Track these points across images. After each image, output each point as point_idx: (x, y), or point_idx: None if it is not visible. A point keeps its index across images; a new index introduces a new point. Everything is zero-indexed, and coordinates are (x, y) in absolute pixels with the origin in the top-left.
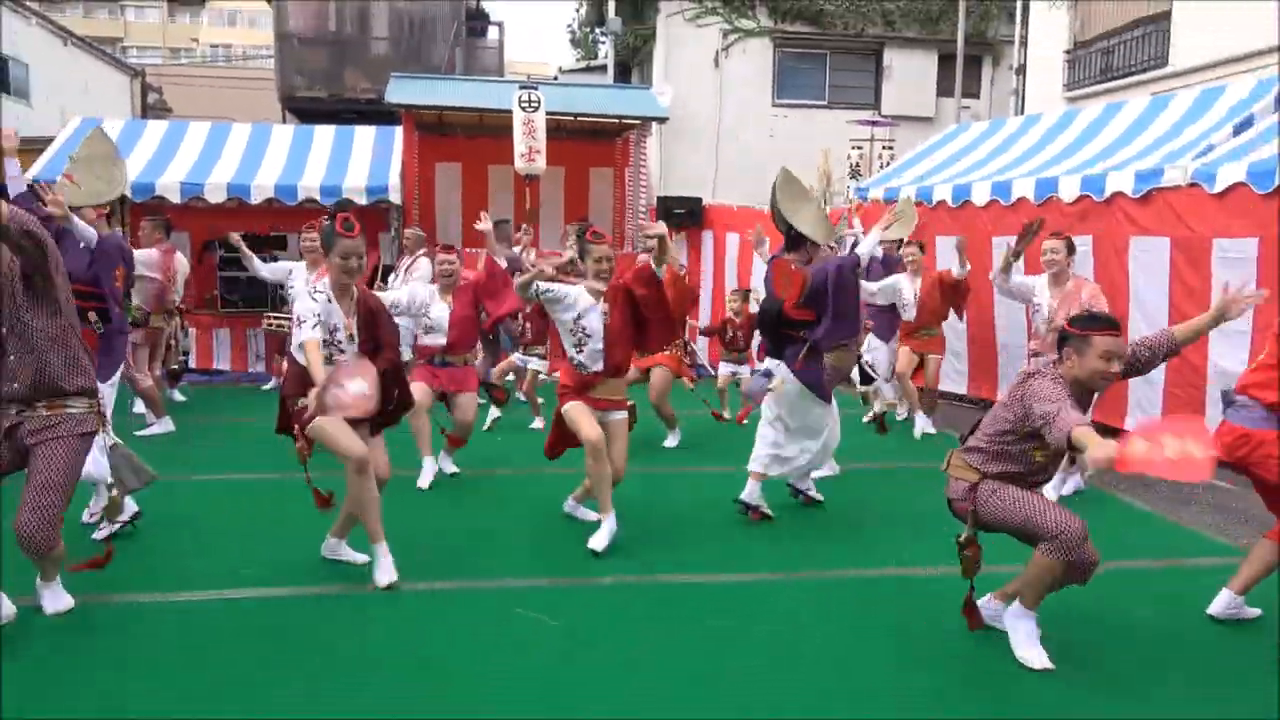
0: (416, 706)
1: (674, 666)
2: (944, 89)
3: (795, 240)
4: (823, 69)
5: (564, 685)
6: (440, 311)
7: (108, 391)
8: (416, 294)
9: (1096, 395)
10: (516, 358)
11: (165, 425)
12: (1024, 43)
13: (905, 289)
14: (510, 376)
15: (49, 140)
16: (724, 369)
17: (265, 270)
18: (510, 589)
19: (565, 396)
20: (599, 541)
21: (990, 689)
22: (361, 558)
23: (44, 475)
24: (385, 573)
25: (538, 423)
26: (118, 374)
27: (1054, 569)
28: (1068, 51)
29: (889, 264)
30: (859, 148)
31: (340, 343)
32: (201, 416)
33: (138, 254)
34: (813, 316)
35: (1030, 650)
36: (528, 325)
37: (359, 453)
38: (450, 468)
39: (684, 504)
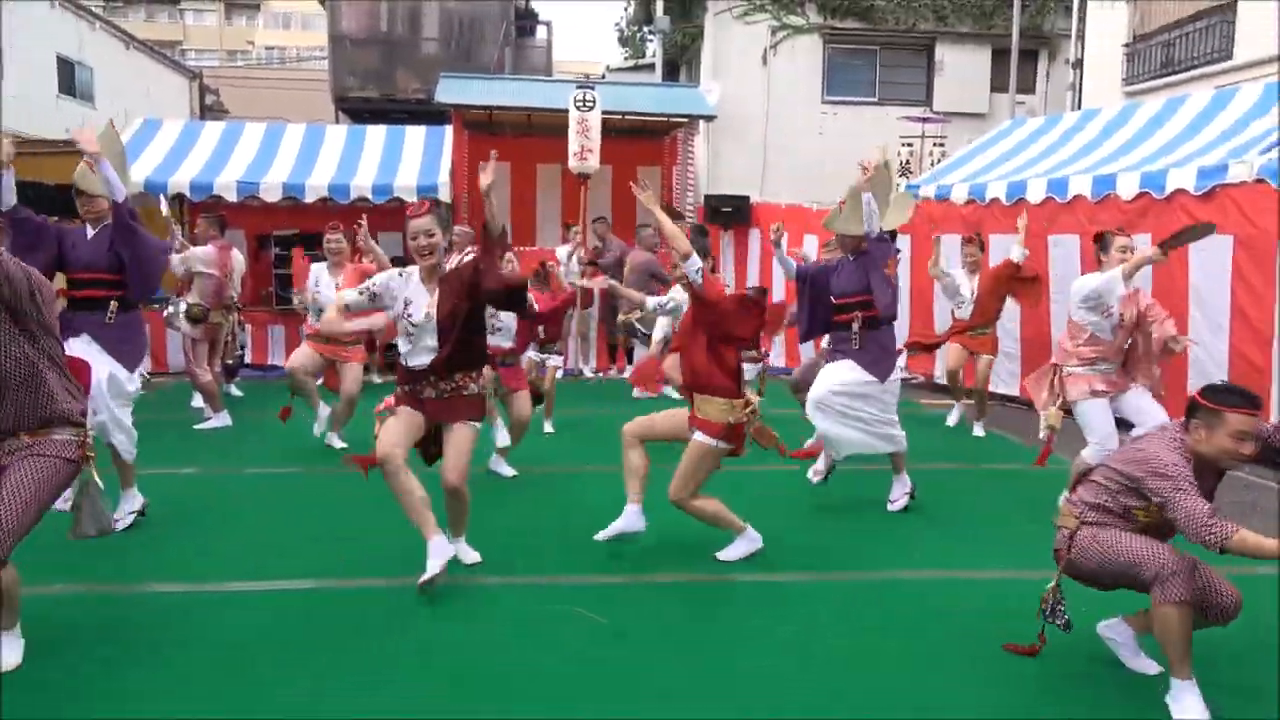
0: (463, 700)
1: (725, 666)
2: (998, 84)
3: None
4: (873, 65)
5: (609, 681)
6: (511, 315)
7: (135, 380)
8: None
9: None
10: (534, 355)
11: (222, 420)
12: (1081, 36)
13: (963, 285)
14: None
15: (97, 158)
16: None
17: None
18: (559, 586)
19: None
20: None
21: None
22: (473, 556)
23: (9, 489)
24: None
25: (549, 426)
26: (143, 363)
27: (1174, 616)
28: (1127, 45)
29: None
30: (909, 145)
31: (411, 317)
32: (256, 411)
33: (195, 251)
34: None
35: None
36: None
37: (383, 452)
38: (507, 470)
39: (738, 503)
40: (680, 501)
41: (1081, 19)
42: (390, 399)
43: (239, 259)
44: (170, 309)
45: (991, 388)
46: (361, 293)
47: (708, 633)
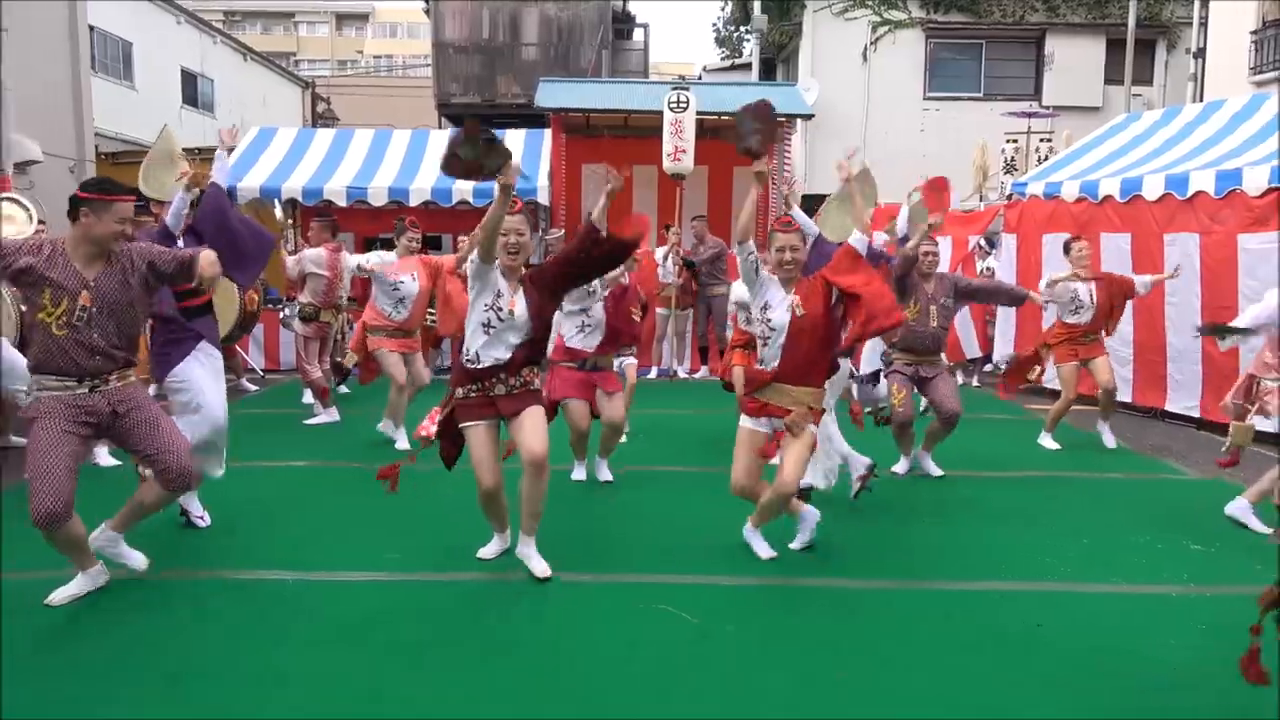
0: (552, 692)
1: (812, 674)
2: (1112, 76)
3: None
4: (978, 59)
5: (696, 681)
6: (600, 310)
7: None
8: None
9: None
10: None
11: (331, 415)
12: (1204, 24)
13: (1081, 290)
14: None
15: (230, 149)
16: None
17: (369, 269)
18: (655, 584)
19: (742, 403)
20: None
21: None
22: (541, 568)
23: (169, 427)
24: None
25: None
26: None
27: None
28: (1254, 32)
29: (874, 257)
30: (1015, 141)
31: (501, 310)
32: (361, 408)
33: (307, 252)
34: None
35: None
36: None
37: (488, 484)
38: (606, 474)
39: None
40: (790, 490)
41: (1204, 5)
42: (429, 425)
43: (349, 261)
44: (286, 310)
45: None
46: (468, 262)
47: (797, 638)
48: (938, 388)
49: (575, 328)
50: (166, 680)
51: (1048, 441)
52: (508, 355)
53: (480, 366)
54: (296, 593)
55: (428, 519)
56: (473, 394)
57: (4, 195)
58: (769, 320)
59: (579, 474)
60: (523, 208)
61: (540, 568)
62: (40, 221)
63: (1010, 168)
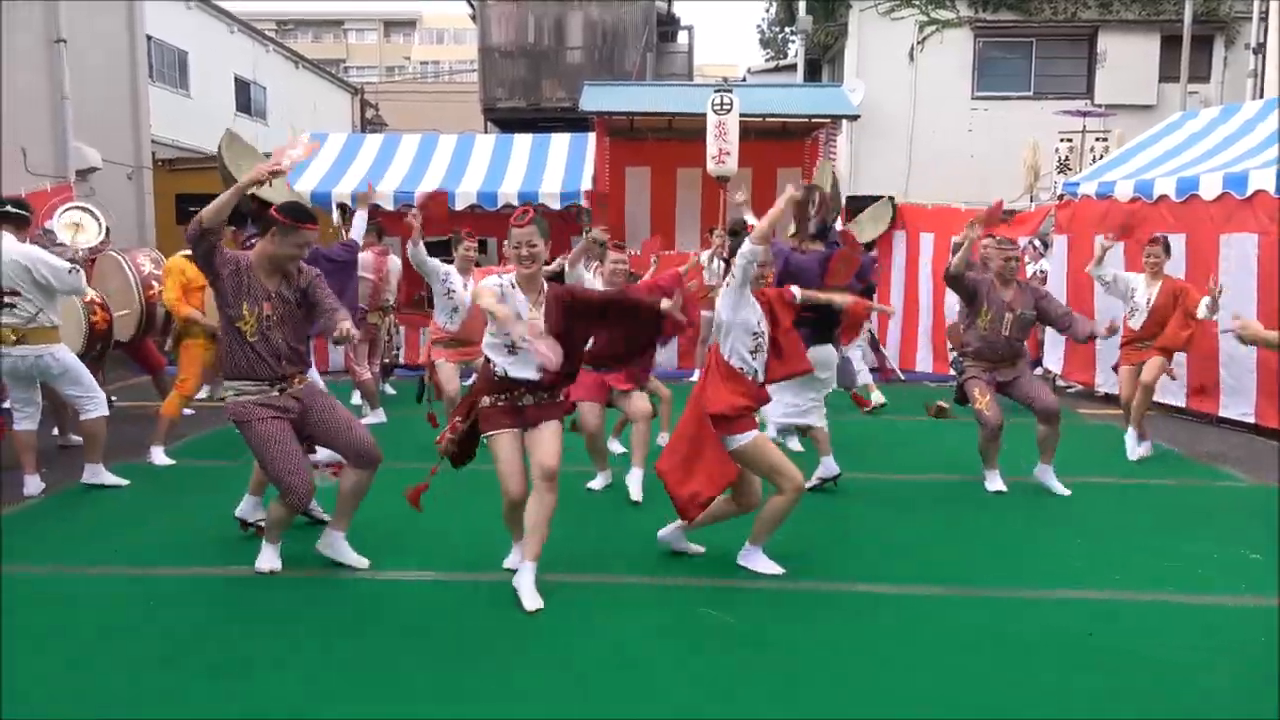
0: (589, 698)
1: (859, 680)
2: (1167, 73)
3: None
4: (1028, 57)
5: (737, 686)
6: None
7: None
8: (580, 280)
9: None
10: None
11: (378, 416)
12: (1264, 18)
13: (1140, 291)
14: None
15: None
16: None
17: (427, 264)
18: (694, 587)
19: (738, 422)
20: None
21: None
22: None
23: (347, 419)
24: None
25: (665, 437)
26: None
27: None
28: None
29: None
30: (1068, 140)
31: (519, 345)
32: (407, 410)
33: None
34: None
35: None
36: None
37: (514, 493)
38: (637, 493)
39: (881, 513)
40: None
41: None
42: (448, 435)
43: (395, 264)
44: None
45: (1157, 396)
46: (498, 287)
47: (844, 644)
48: (1022, 387)
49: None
50: (227, 672)
51: (1133, 445)
52: (537, 374)
53: (509, 378)
54: (346, 592)
55: (469, 519)
56: (500, 402)
57: (74, 205)
58: (760, 333)
59: (599, 482)
60: (533, 218)
61: (531, 600)
62: (106, 230)
63: (1064, 167)
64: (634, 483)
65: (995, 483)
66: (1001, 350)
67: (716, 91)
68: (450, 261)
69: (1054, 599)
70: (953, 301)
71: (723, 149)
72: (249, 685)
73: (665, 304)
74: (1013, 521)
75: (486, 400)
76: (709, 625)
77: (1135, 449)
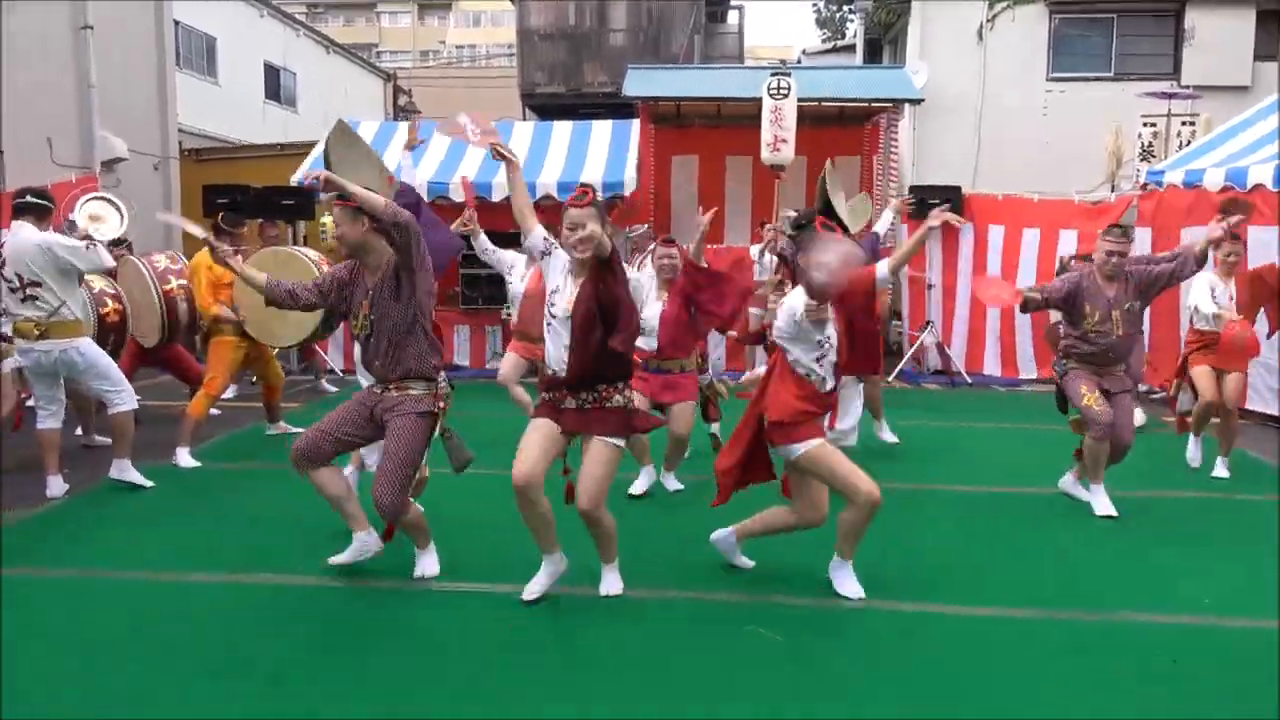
0: (635, 711)
1: (918, 704)
2: (1263, 51)
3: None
4: (1108, 35)
5: (783, 703)
6: (653, 311)
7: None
8: (641, 285)
9: None
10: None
11: None
12: None
13: (1219, 289)
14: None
15: (313, 144)
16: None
17: (492, 254)
18: (740, 604)
19: (801, 428)
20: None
21: None
22: (615, 587)
23: (389, 448)
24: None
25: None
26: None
27: None
28: None
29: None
30: (1152, 124)
31: (553, 306)
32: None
33: None
34: None
35: None
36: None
37: (519, 474)
38: (674, 484)
39: (934, 527)
40: None
41: None
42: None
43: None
44: None
45: (1248, 404)
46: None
47: (904, 667)
48: (1116, 411)
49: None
50: (250, 681)
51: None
52: (565, 360)
53: (554, 373)
54: (379, 601)
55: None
56: (546, 400)
57: (95, 195)
58: (829, 337)
59: (640, 485)
60: (593, 199)
61: (612, 586)
62: (127, 242)
63: (1147, 154)
64: (669, 477)
65: (1103, 503)
66: (1116, 351)
67: (773, 74)
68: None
69: (1135, 622)
70: None
71: (778, 135)
72: (272, 695)
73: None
74: (1089, 540)
75: (540, 395)
76: (753, 642)
77: (1198, 455)
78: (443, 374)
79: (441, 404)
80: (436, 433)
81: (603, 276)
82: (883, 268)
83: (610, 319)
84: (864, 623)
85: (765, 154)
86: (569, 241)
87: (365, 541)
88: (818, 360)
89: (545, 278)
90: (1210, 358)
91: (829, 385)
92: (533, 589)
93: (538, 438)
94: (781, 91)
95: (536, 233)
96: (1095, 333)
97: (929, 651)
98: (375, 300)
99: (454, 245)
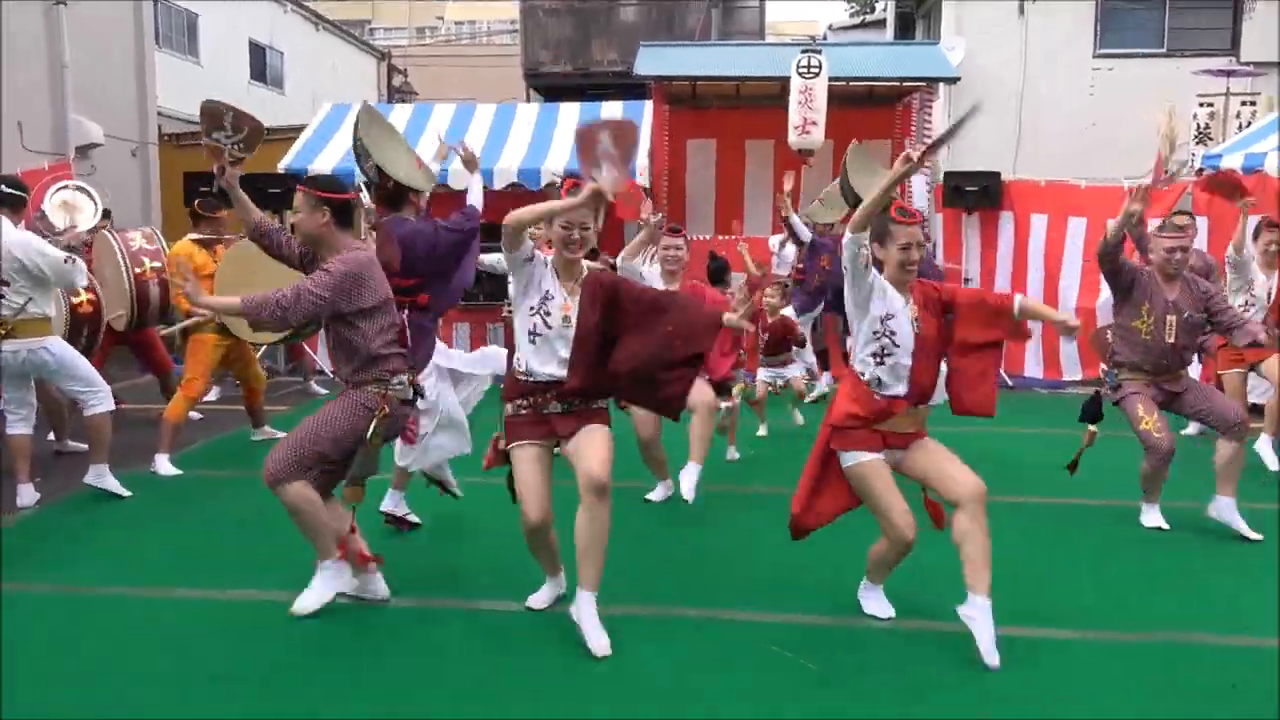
0: None
1: None
2: None
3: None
4: (1160, 8)
5: None
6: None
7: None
8: (641, 279)
9: None
10: (764, 375)
11: None
12: None
13: (1257, 281)
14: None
15: (301, 128)
16: (764, 375)
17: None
18: (762, 623)
19: (850, 435)
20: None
21: None
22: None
23: (305, 419)
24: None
25: (763, 429)
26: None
27: None
28: None
29: (818, 250)
30: (1209, 104)
31: (549, 315)
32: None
33: None
34: None
35: None
36: (765, 335)
37: (533, 519)
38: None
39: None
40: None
41: None
42: (494, 449)
43: None
44: None
45: None
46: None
47: (943, 691)
48: (1196, 398)
49: None
50: (240, 705)
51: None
52: (559, 372)
53: (533, 380)
54: (371, 621)
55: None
56: (523, 410)
57: (68, 184)
58: (893, 334)
59: (659, 493)
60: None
61: (599, 642)
62: (105, 212)
63: (1204, 136)
64: (688, 478)
65: (1154, 516)
66: (1167, 360)
67: (803, 52)
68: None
69: (1189, 643)
70: (1073, 297)
71: (808, 118)
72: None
73: (728, 317)
74: (1134, 555)
75: (510, 408)
76: (779, 665)
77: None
78: (402, 378)
79: (388, 408)
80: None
81: (605, 285)
82: (1021, 299)
83: (614, 327)
84: (906, 643)
85: (793, 137)
86: (566, 240)
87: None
88: (875, 357)
89: (529, 284)
90: (1244, 353)
91: (888, 391)
92: (539, 599)
93: (534, 471)
94: (812, 70)
95: (530, 243)
96: (1150, 335)
97: (982, 672)
98: None
99: (467, 284)
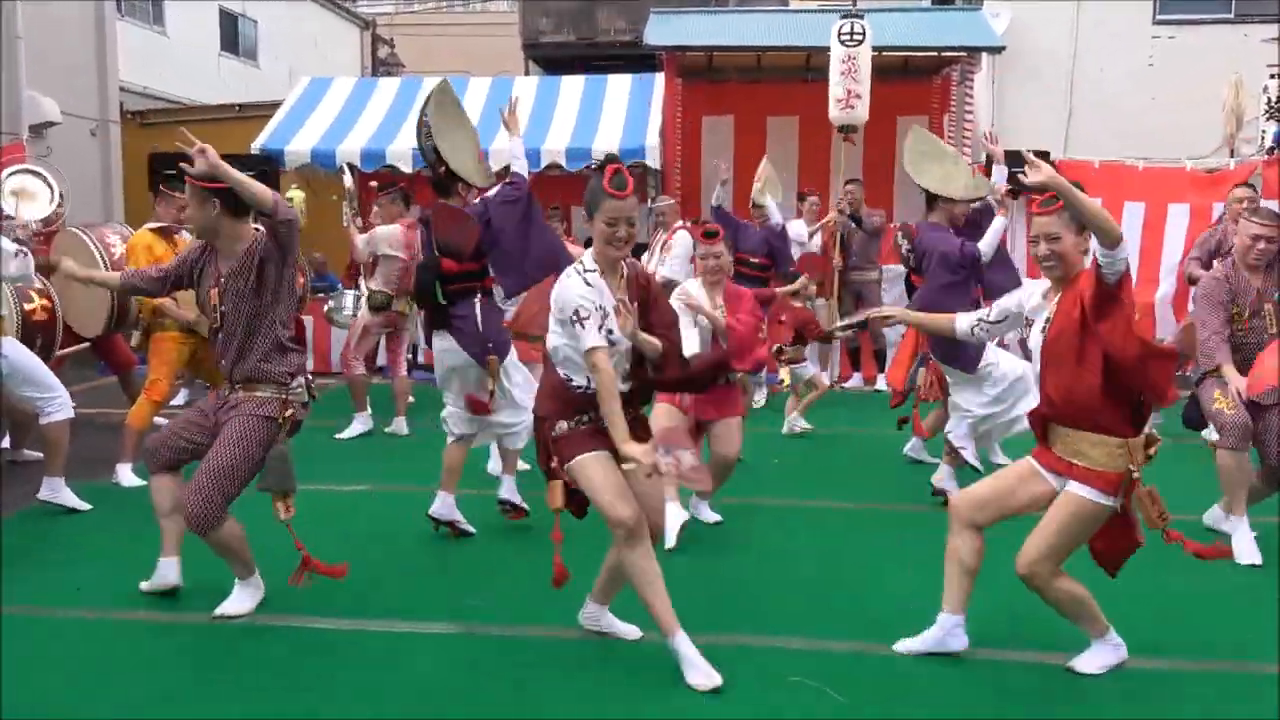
0: None
1: None
2: None
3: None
4: None
5: None
6: (690, 336)
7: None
8: (678, 280)
9: None
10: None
11: (363, 423)
12: None
13: None
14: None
15: (277, 104)
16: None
17: None
18: (780, 650)
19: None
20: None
21: None
22: (632, 631)
23: (214, 450)
24: (698, 674)
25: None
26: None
27: None
28: None
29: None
30: None
31: (613, 333)
32: (426, 420)
33: (380, 230)
34: None
35: None
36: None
37: (628, 516)
38: (710, 515)
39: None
40: (1037, 576)
41: None
42: (557, 491)
43: None
44: (331, 302)
45: None
46: (600, 326)
47: None
48: (1273, 427)
49: None
50: None
51: None
52: (627, 386)
53: (590, 392)
54: (353, 644)
55: (512, 558)
56: (582, 424)
57: (20, 168)
58: (1026, 340)
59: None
60: (634, 187)
61: (708, 675)
62: (61, 197)
63: (1274, 112)
64: (702, 508)
65: (1246, 544)
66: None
67: (843, 17)
68: None
69: (1177, 671)
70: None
71: (851, 90)
72: None
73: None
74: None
75: (564, 425)
76: (800, 697)
77: None
78: (301, 380)
79: (289, 412)
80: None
81: (642, 285)
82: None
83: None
84: (941, 675)
85: (834, 112)
86: (611, 238)
87: (165, 570)
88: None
89: (587, 302)
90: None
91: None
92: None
93: (613, 469)
94: (855, 38)
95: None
96: (1245, 332)
97: (1007, 703)
98: (227, 291)
99: (555, 250)
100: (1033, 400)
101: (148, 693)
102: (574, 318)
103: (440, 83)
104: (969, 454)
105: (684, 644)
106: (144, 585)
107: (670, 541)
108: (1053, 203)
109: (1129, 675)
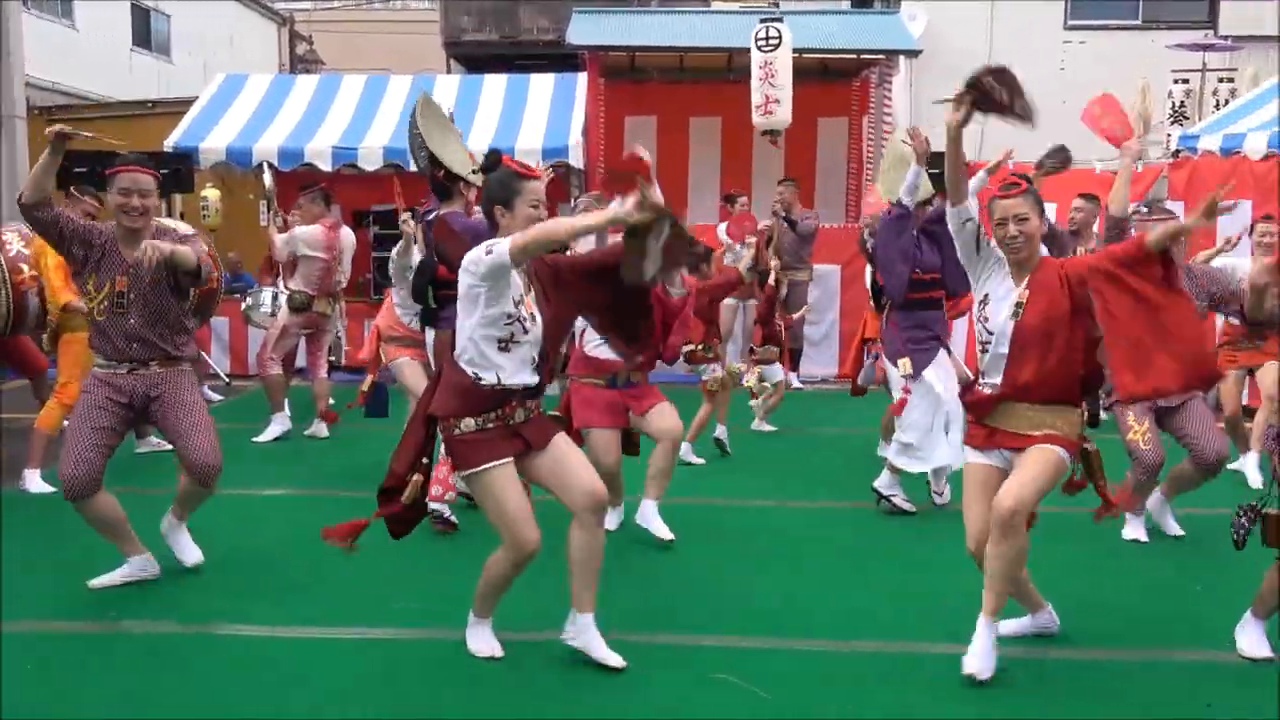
0: None
1: None
2: None
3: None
4: None
5: None
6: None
7: None
8: None
9: None
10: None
11: (281, 424)
12: None
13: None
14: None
15: (191, 101)
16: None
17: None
18: (720, 648)
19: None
20: None
21: None
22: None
23: (195, 416)
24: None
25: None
26: None
27: None
28: None
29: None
30: (1185, 81)
31: (524, 320)
32: (355, 425)
33: (299, 231)
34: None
35: None
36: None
37: (534, 540)
38: (663, 531)
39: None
40: (1019, 514)
41: None
42: (446, 471)
43: (349, 238)
44: (249, 300)
45: None
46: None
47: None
48: (1189, 421)
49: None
50: None
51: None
52: (533, 379)
53: (504, 388)
54: (283, 652)
55: (443, 560)
56: (490, 424)
57: None
58: (985, 320)
59: (610, 521)
60: (542, 175)
61: (615, 658)
62: None
63: (1179, 116)
64: (651, 517)
65: (1136, 529)
66: None
67: (763, 21)
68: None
69: (1166, 661)
70: None
71: (771, 95)
72: None
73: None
74: (1114, 569)
75: (470, 423)
76: (733, 696)
77: (1259, 475)
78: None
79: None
80: None
81: (548, 267)
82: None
83: (571, 307)
84: (885, 670)
85: (756, 118)
86: (528, 220)
87: (143, 564)
88: (980, 346)
89: (505, 291)
90: (1238, 354)
91: (987, 378)
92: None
93: (520, 492)
94: (771, 42)
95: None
96: None
97: (955, 699)
98: (136, 281)
99: None
100: (945, 454)
101: (34, 700)
102: (485, 252)
103: (422, 96)
104: (899, 500)
105: (580, 628)
106: (105, 580)
107: (666, 533)
108: (1015, 186)
109: (1076, 664)
